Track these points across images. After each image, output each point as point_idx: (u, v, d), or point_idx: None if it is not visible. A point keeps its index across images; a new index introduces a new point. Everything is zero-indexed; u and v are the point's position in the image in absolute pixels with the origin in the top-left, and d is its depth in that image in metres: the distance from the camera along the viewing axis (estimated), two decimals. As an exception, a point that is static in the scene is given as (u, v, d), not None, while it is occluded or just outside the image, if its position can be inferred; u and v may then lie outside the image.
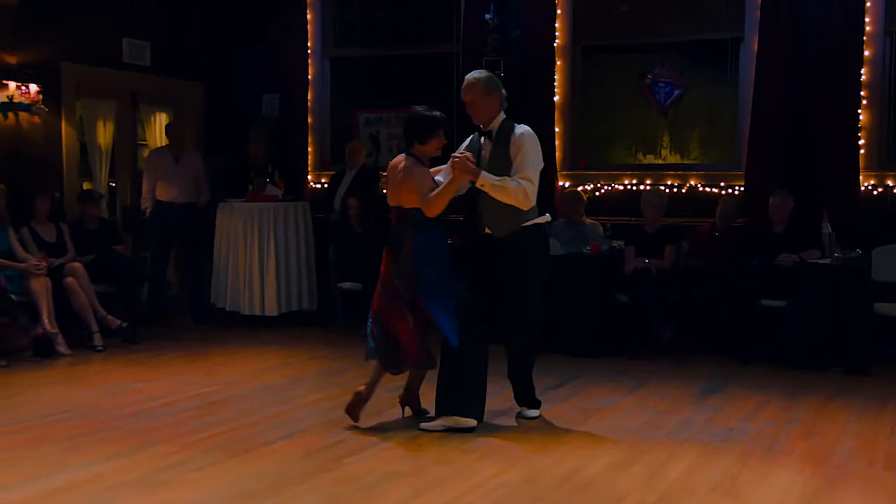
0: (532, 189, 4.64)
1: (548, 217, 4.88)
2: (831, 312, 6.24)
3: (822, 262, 6.43)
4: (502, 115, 4.83)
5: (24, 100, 7.08)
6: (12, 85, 7.01)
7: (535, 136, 4.76)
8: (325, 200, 8.34)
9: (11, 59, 7.06)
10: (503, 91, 4.84)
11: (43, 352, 6.43)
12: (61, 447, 4.30)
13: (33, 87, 7.12)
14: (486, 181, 4.57)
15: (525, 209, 4.64)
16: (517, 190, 4.56)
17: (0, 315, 6.32)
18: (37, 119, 7.26)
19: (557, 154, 8.00)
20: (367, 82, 9.01)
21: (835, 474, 4.00)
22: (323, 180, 8.75)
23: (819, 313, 6.24)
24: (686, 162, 7.93)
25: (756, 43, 7.29)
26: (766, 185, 7.04)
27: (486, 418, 4.88)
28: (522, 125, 4.81)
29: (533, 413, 4.97)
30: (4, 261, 6.49)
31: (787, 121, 7.17)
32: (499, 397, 5.36)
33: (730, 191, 7.47)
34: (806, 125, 7.14)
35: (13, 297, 6.34)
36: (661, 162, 8.01)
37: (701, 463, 4.12)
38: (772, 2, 7.16)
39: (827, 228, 6.54)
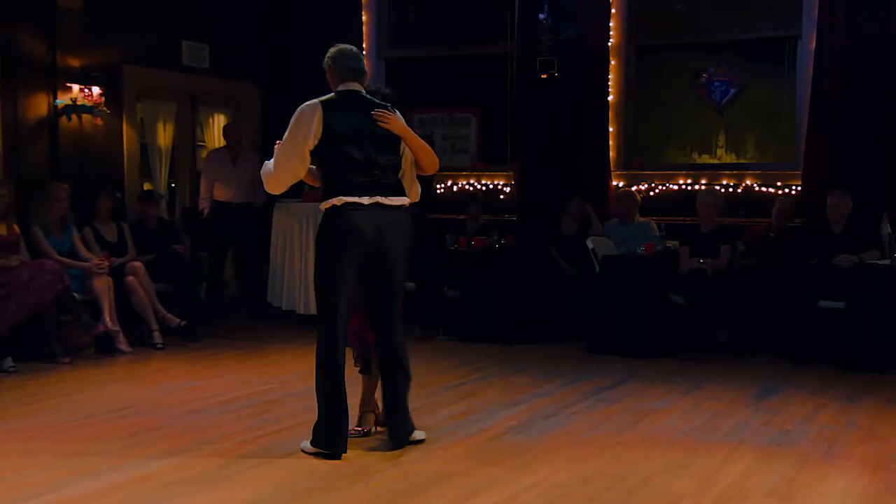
0: (267, 168, 4.26)
1: (343, 199, 4.08)
2: (891, 314, 6.09)
3: (881, 263, 6.28)
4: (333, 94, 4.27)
5: (86, 102, 7.24)
6: (76, 88, 7.18)
7: (301, 110, 4.13)
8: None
9: (75, 63, 7.24)
10: (336, 65, 4.31)
11: (104, 349, 6.59)
12: (121, 444, 4.38)
13: (96, 90, 7.28)
14: None
15: (268, 189, 4.29)
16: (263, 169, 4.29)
17: (63, 313, 6.46)
18: (99, 121, 7.43)
19: (611, 154, 7.95)
20: (422, 83, 9.05)
21: (895, 479, 3.90)
22: (376, 180, 8.78)
23: (878, 315, 6.10)
24: (742, 161, 7.81)
25: (814, 41, 7.16)
26: (825, 184, 6.90)
27: (539, 418, 4.88)
28: (312, 100, 4.21)
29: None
30: (68, 260, 6.64)
31: (846, 120, 7.03)
32: (550, 397, 5.35)
33: (787, 190, 7.34)
34: (865, 124, 6.99)
35: (76, 295, 6.49)
36: (716, 161, 7.91)
37: (757, 466, 4.06)
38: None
39: (887, 229, 6.39)
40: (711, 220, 7.05)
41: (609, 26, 7.88)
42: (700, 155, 8.00)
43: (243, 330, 7.82)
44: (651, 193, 7.81)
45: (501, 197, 8.41)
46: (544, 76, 7.90)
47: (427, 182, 8.23)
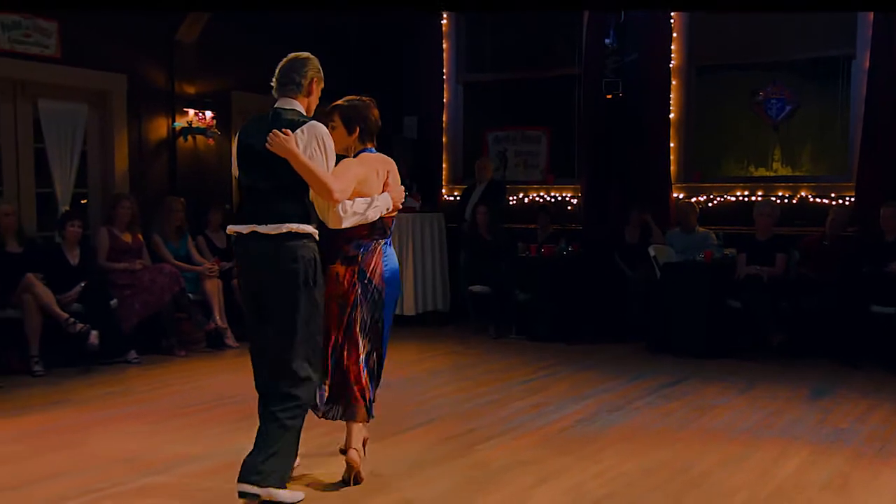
0: None
1: (232, 228, 3.49)
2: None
3: (935, 270, 6.03)
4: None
5: (200, 125, 7.47)
6: (191, 112, 7.42)
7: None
8: (457, 211, 8.44)
9: (191, 90, 7.48)
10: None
11: (214, 344, 6.78)
12: (228, 428, 4.50)
13: (208, 114, 7.50)
14: None
15: None
16: None
17: (179, 312, 6.65)
18: (211, 142, 7.65)
19: (672, 167, 7.85)
20: (496, 104, 9.07)
21: (949, 479, 3.75)
22: (455, 193, 8.85)
23: (933, 320, 5.87)
24: (797, 174, 7.61)
25: (868, 60, 6.94)
26: (878, 196, 6.68)
27: (604, 412, 4.84)
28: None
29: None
30: (183, 264, 6.85)
31: (900, 134, 6.78)
32: (614, 393, 5.30)
33: (840, 201, 7.12)
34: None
35: (190, 296, 6.67)
36: (772, 174, 7.72)
37: (812, 461, 3.95)
38: (884, 21, 6.79)
39: (940, 238, 6.14)
40: (768, 229, 6.89)
41: (671, 49, 7.78)
42: (757, 168, 7.82)
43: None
44: (710, 204, 7.67)
45: (569, 208, 8.37)
46: (609, 96, 7.84)
47: (501, 194, 8.26)
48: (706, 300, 6.60)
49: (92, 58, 6.84)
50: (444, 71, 8.90)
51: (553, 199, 8.44)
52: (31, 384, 5.58)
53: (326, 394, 3.70)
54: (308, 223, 3.41)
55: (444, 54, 8.88)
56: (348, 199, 3.50)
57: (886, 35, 6.81)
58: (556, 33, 8.55)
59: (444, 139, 8.95)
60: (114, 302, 6.28)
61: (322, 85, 3.62)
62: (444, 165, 9.00)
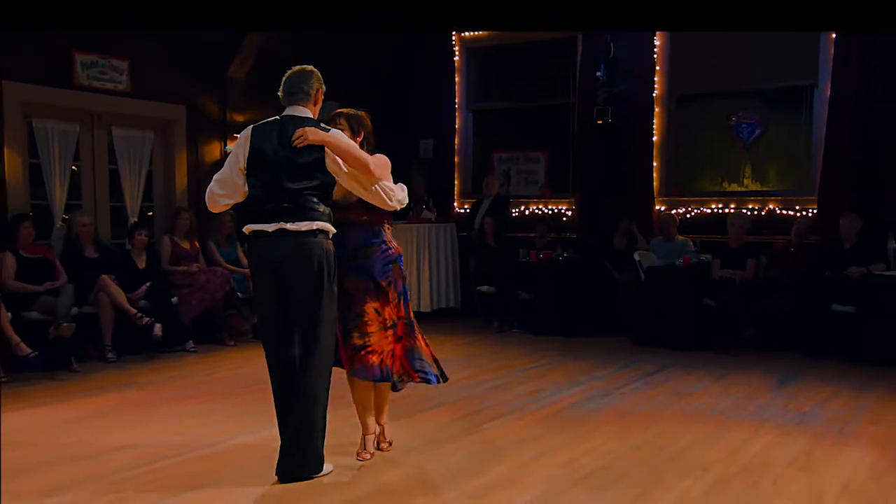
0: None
1: (251, 227, 3.27)
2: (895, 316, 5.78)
3: (887, 273, 5.96)
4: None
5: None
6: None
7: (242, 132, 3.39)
8: (467, 222, 8.44)
9: (240, 118, 7.52)
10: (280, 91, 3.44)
11: (258, 335, 6.77)
12: (270, 408, 4.47)
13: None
14: None
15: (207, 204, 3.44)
16: None
17: (229, 308, 6.70)
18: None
19: (655, 184, 7.79)
20: (501, 129, 9.05)
21: (900, 456, 3.70)
22: (466, 206, 8.84)
23: (885, 317, 5.78)
24: (765, 189, 7.54)
25: (828, 90, 6.87)
26: (837, 208, 6.60)
27: (596, 396, 4.81)
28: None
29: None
30: (233, 267, 6.88)
31: (855, 153, 6.71)
32: (604, 380, 5.27)
33: (804, 213, 7.05)
34: (873, 157, 6.66)
35: (238, 294, 6.71)
36: (743, 189, 7.65)
37: (779, 441, 3.90)
38: (843, 54, 6.74)
39: (892, 245, 6.09)
40: (740, 237, 6.83)
41: (654, 80, 7.73)
42: (730, 184, 7.75)
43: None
44: (688, 216, 7.61)
45: (564, 219, 8.34)
46: (600, 122, 7.81)
47: (505, 207, 8.25)
48: (685, 300, 6.55)
49: (157, 92, 6.91)
50: (456, 100, 8.91)
51: (550, 211, 8.42)
52: (104, 369, 5.63)
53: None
54: (330, 221, 3.29)
55: (456, 86, 8.89)
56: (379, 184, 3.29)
57: (845, 67, 6.74)
58: (553, 68, 8.54)
59: (455, 159, 8.95)
60: (174, 299, 6.33)
61: (323, 96, 3.46)
62: (455, 182, 8.99)
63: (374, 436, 3.65)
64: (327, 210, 3.29)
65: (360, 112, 3.62)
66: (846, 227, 6.30)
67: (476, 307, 8.06)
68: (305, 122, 3.28)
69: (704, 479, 3.33)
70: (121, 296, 5.88)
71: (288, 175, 3.21)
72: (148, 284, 6.17)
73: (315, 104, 3.40)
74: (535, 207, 8.50)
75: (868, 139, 6.68)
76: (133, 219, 6.80)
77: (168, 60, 6.96)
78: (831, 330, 6.06)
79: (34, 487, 3.23)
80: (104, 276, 5.90)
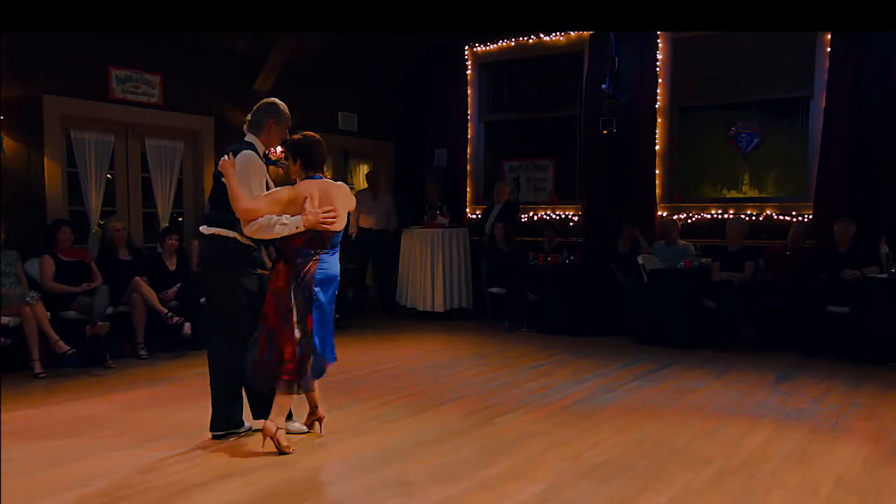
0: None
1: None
2: (888, 316, 5.72)
3: (879, 276, 5.91)
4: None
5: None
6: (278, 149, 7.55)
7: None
8: (479, 227, 8.45)
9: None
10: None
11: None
12: (296, 401, 4.54)
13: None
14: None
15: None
16: None
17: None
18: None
19: (657, 191, 7.78)
20: (512, 138, 9.07)
21: (892, 450, 3.66)
22: (477, 212, 8.86)
23: (878, 317, 5.74)
24: (763, 195, 7.51)
25: (823, 101, 6.85)
26: (832, 213, 6.57)
27: (600, 393, 4.81)
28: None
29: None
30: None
31: (850, 161, 6.68)
32: (609, 377, 5.26)
33: (800, 218, 7.01)
34: (866, 164, 6.63)
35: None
36: (742, 196, 7.62)
37: (776, 435, 3.88)
38: (837, 67, 6.72)
39: (884, 249, 6.02)
40: (738, 241, 6.80)
41: (657, 92, 7.72)
42: (729, 190, 7.73)
43: (379, 322, 7.97)
44: (689, 221, 7.59)
45: (571, 224, 8.34)
46: (605, 132, 7.81)
47: (515, 213, 8.26)
48: (686, 301, 6.53)
49: (187, 104, 6.99)
50: (469, 112, 8.93)
51: (558, 217, 8.42)
52: (137, 365, 5.69)
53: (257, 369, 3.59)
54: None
55: (469, 99, 8.91)
56: (275, 215, 3.49)
57: (839, 80, 6.72)
58: (561, 81, 8.55)
59: (468, 168, 8.97)
60: (203, 300, 6.37)
61: (282, 125, 3.71)
62: (468, 189, 9.01)
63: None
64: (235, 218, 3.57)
65: (308, 136, 3.67)
66: (841, 231, 6.26)
67: (487, 308, 8.06)
68: (241, 148, 3.59)
69: (705, 472, 3.32)
70: (153, 296, 5.94)
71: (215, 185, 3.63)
72: (178, 286, 6.22)
73: (266, 133, 3.69)
74: (543, 213, 8.50)
75: (861, 148, 6.66)
76: (164, 224, 6.87)
77: (198, 75, 7.04)
78: (826, 330, 6.03)
79: (73, 476, 3.28)
80: (137, 278, 5.96)
